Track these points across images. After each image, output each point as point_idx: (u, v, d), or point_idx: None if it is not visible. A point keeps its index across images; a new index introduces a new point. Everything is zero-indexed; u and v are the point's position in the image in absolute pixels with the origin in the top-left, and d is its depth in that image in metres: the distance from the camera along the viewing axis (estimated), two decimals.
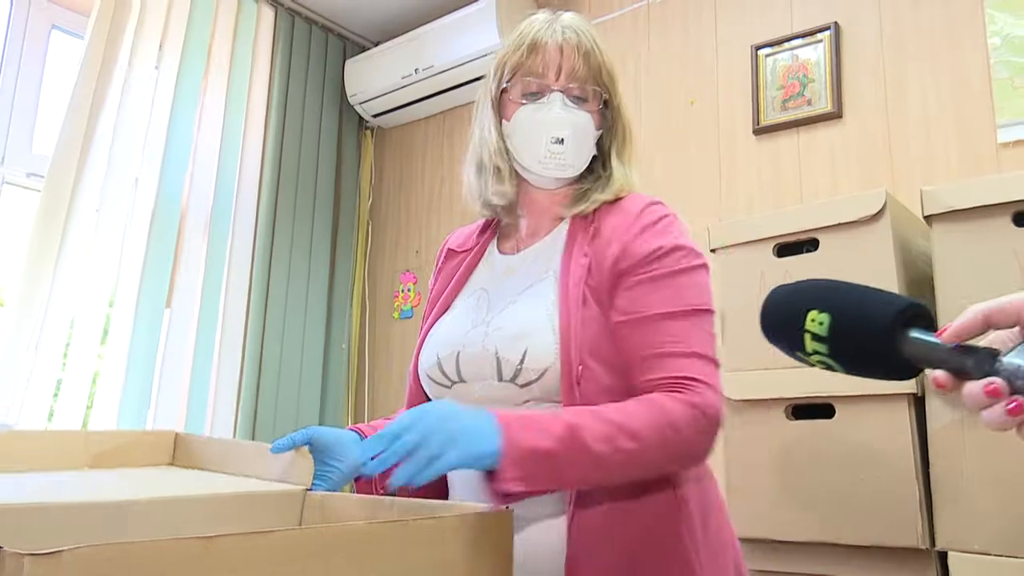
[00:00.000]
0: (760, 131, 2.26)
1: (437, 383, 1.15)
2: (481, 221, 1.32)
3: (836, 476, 1.48)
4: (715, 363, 1.04)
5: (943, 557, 1.37)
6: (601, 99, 1.17)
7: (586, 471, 0.92)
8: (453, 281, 1.25)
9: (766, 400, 1.60)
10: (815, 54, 2.19)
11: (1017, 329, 0.62)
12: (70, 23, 2.67)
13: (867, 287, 0.70)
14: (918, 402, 1.44)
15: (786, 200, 2.18)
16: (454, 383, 1.13)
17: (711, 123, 2.40)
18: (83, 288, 2.39)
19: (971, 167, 1.90)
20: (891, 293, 0.67)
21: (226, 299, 2.76)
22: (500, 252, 1.24)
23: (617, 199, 1.16)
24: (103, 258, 2.46)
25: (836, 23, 2.17)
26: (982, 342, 0.63)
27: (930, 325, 0.65)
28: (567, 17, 1.19)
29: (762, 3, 2.34)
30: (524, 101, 1.15)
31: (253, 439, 2.70)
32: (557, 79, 1.14)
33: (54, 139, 2.38)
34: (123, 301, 2.50)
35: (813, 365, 0.72)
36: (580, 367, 1.03)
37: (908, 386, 1.41)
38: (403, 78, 3.05)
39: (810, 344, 0.70)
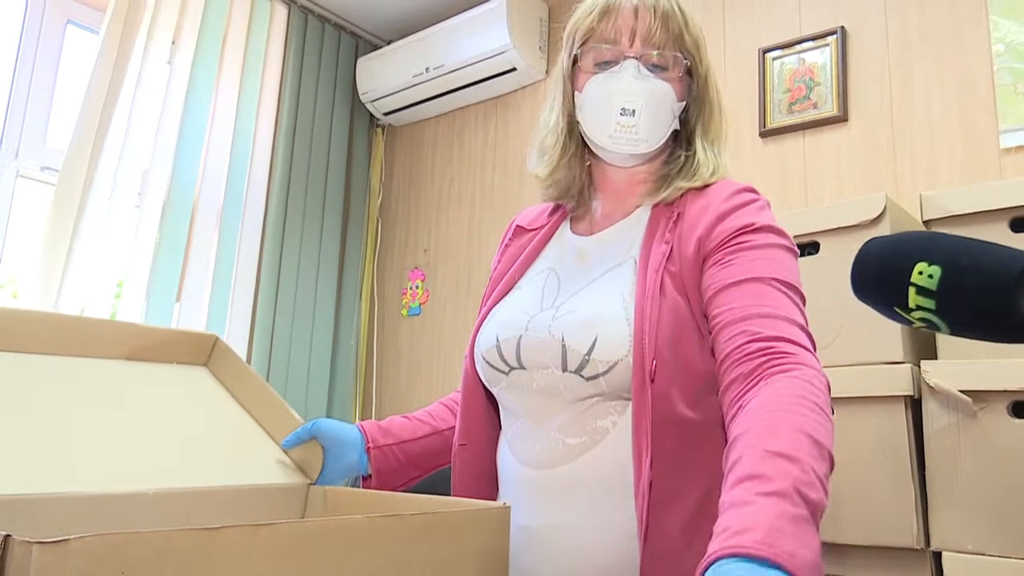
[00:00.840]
0: (766, 134, 2.27)
1: (494, 367, 1.06)
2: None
3: (833, 476, 1.49)
4: (812, 340, 0.89)
5: (937, 557, 1.38)
6: (683, 67, 1.06)
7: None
8: (520, 260, 1.15)
9: None
10: (821, 58, 2.20)
11: None
12: (85, 18, 2.70)
13: (985, 241, 0.65)
14: (915, 404, 1.45)
15: (791, 202, 2.19)
16: (512, 369, 1.04)
17: None
18: (94, 281, 2.42)
19: (974, 172, 1.91)
20: (1007, 248, 0.62)
21: (235, 294, 2.79)
22: (573, 232, 1.14)
23: (705, 187, 1.05)
24: (115, 251, 2.49)
25: (843, 27, 2.18)
26: None
27: None
28: None
29: (770, 6, 2.35)
30: (596, 70, 1.06)
31: None
32: (631, 45, 1.04)
33: (68, 133, 2.42)
34: (134, 294, 2.53)
35: (911, 323, 0.67)
36: (654, 362, 0.92)
37: (905, 388, 1.43)
38: (414, 77, 3.07)
39: (914, 299, 0.65)
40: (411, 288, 3.21)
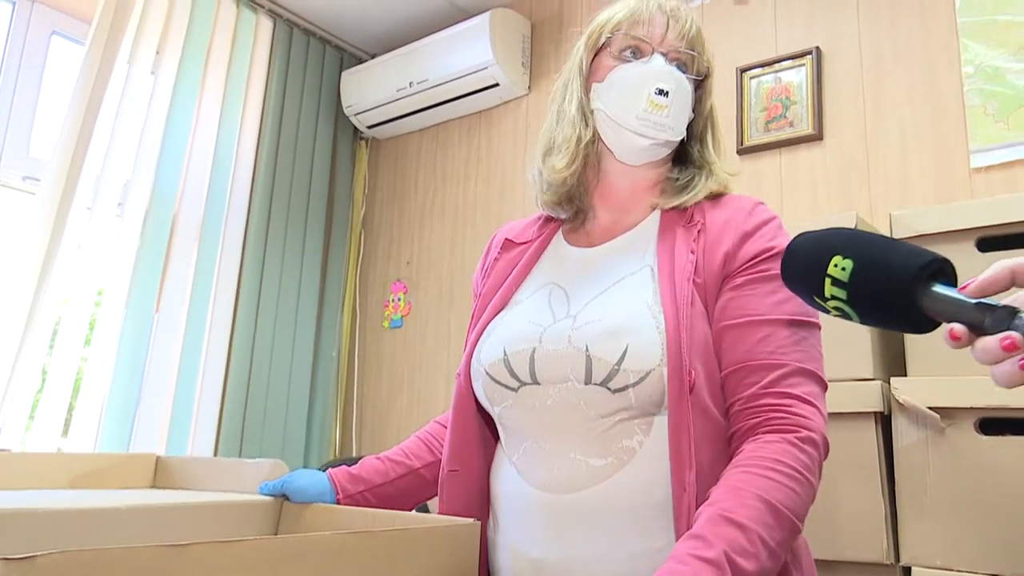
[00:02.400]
0: (744, 151, 2.30)
1: (500, 384, 1.00)
2: (539, 213, 1.20)
3: None
4: (823, 383, 0.94)
5: (907, 572, 1.40)
6: (699, 73, 1.09)
7: None
8: (513, 274, 1.11)
9: None
10: (797, 77, 2.23)
11: None
12: (71, 29, 2.70)
13: (895, 239, 0.70)
14: (884, 420, 1.47)
15: None
16: (523, 384, 0.98)
17: None
18: (74, 291, 2.42)
19: (946, 191, 1.94)
20: (918, 247, 0.67)
21: (215, 305, 2.77)
22: (571, 245, 1.12)
23: (718, 195, 1.07)
24: (94, 262, 2.48)
25: (818, 47, 2.21)
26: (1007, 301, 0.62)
27: (951, 281, 0.65)
28: None
29: (747, 25, 2.39)
30: (623, 60, 1.08)
31: (240, 446, 2.71)
32: (661, 43, 1.07)
33: (51, 143, 2.41)
34: (113, 304, 2.52)
35: (829, 312, 0.72)
36: (692, 372, 0.89)
37: (875, 404, 1.45)
38: (398, 91, 3.08)
39: (829, 289, 0.69)
40: (393, 300, 3.21)
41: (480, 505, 1.05)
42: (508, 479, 1.01)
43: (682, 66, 1.07)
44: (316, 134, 3.21)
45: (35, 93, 2.60)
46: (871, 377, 1.48)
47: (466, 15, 3.01)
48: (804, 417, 0.88)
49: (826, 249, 0.70)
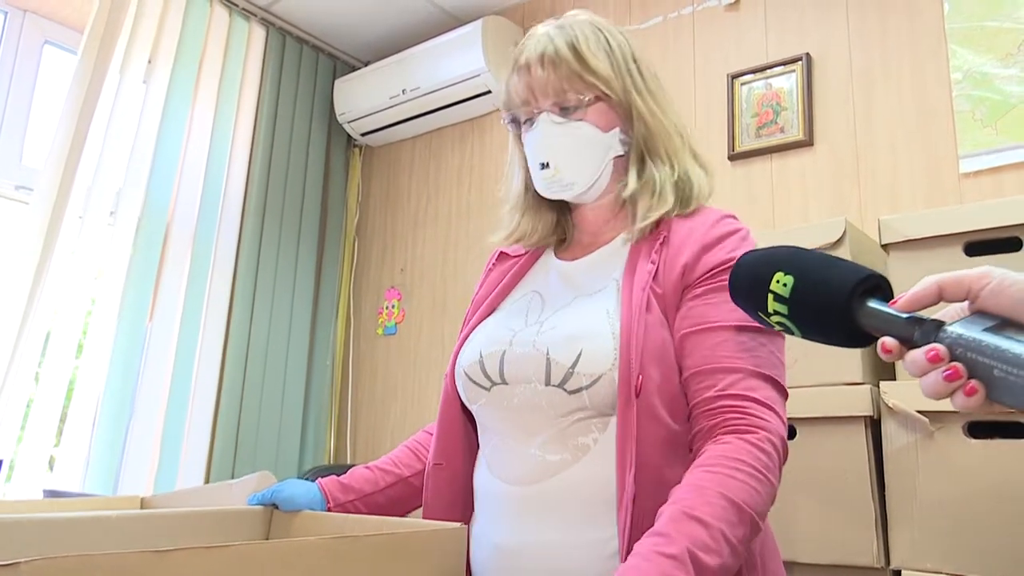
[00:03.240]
0: (735, 157, 2.31)
1: (476, 384, 1.07)
2: None
3: (795, 496, 1.51)
4: (782, 389, 0.96)
5: None
6: (591, 100, 1.06)
7: None
8: (502, 284, 1.17)
9: None
10: (788, 83, 2.24)
11: (966, 304, 0.63)
12: (63, 38, 2.71)
13: (835, 256, 0.72)
14: (874, 424, 1.48)
15: (759, 224, 2.23)
16: (494, 384, 1.04)
17: None
18: (66, 300, 2.41)
19: (935, 196, 1.95)
20: (855, 264, 0.69)
21: (207, 314, 2.77)
22: (558, 258, 1.16)
23: (690, 210, 1.08)
24: (87, 270, 2.48)
25: (808, 54, 2.22)
26: (934, 315, 0.64)
27: (887, 296, 0.67)
28: (551, 25, 1.11)
29: (738, 32, 2.40)
30: (525, 130, 1.11)
31: (234, 455, 2.70)
32: (536, 99, 1.08)
33: (44, 152, 2.41)
34: (105, 314, 2.52)
35: (772, 327, 0.74)
36: (640, 376, 0.93)
37: (865, 409, 1.45)
38: (391, 98, 3.09)
39: (772, 304, 0.72)
40: (387, 307, 3.22)
41: (465, 499, 1.10)
42: (481, 473, 1.08)
43: (567, 109, 1.06)
44: (309, 142, 3.21)
45: (27, 102, 2.61)
46: (861, 381, 1.49)
47: (458, 23, 3.03)
48: (762, 419, 0.90)
49: (769, 265, 0.73)
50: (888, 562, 1.42)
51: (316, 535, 0.97)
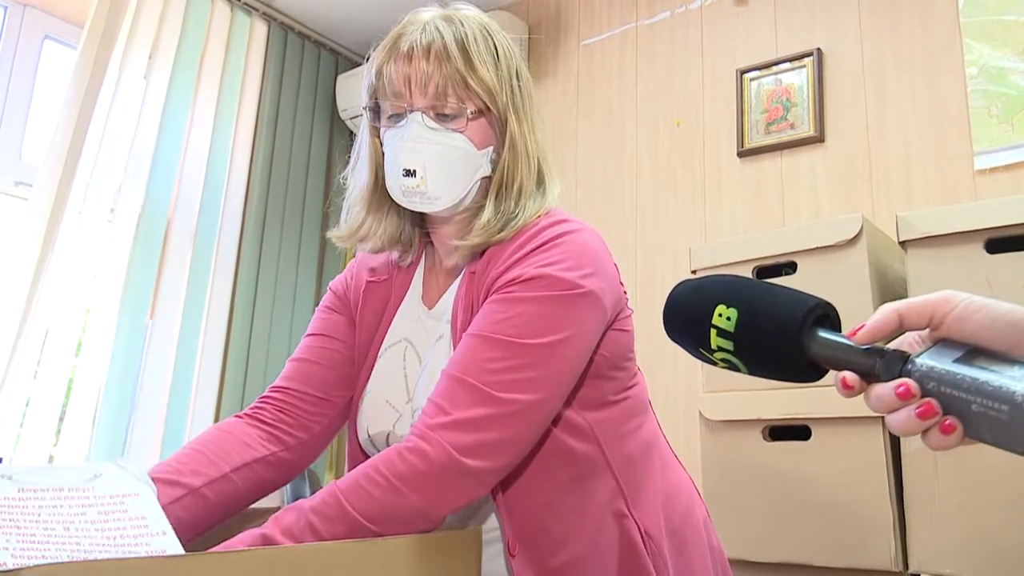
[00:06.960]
0: (744, 153, 2.29)
1: (376, 449, 1.05)
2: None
3: (811, 498, 1.49)
4: (499, 406, 0.86)
5: None
6: (476, 113, 0.98)
7: None
8: (378, 330, 1.09)
9: (744, 421, 1.61)
10: (798, 79, 2.22)
11: (927, 332, 0.59)
12: (63, 33, 2.69)
13: (778, 285, 0.67)
14: None
15: (768, 222, 2.21)
16: None
17: (696, 144, 2.42)
18: (66, 297, 2.39)
19: (949, 193, 1.93)
20: (801, 292, 0.65)
21: (209, 311, 2.75)
22: (421, 299, 1.08)
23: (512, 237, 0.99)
24: (87, 267, 2.46)
25: (819, 49, 2.20)
26: (891, 344, 0.60)
27: (836, 327, 0.63)
28: (437, 13, 1.02)
29: (748, 27, 2.38)
30: (388, 123, 1.00)
31: None
32: (412, 95, 0.97)
33: (44, 148, 2.39)
34: (106, 311, 2.49)
35: (716, 364, 0.69)
36: None
37: None
38: None
39: (715, 340, 0.66)
40: None
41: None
42: None
43: (446, 117, 0.97)
44: (311, 138, 3.19)
45: (27, 98, 2.58)
46: None
47: None
48: (426, 428, 0.85)
49: (710, 298, 0.67)
50: (907, 566, 1.39)
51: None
